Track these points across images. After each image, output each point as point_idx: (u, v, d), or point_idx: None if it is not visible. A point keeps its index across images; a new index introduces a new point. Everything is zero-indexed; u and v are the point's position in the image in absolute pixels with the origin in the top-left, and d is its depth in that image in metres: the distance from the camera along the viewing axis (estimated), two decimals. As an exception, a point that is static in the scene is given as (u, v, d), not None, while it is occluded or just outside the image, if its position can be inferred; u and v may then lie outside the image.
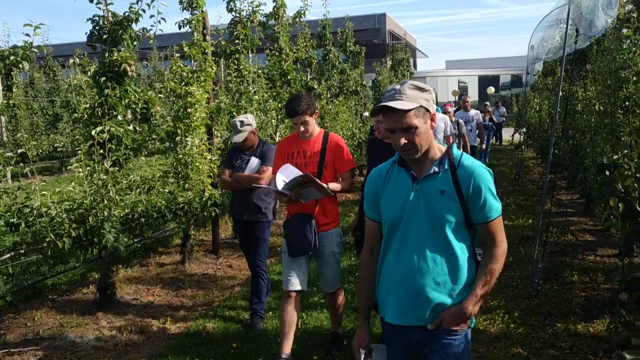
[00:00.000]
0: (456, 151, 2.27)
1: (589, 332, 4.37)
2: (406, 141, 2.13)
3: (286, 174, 3.68)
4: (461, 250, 2.21)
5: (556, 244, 6.62)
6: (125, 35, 5.16)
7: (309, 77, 11.04)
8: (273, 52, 9.18)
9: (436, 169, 2.20)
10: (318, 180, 3.69)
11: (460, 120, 10.29)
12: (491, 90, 33.68)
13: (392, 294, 2.29)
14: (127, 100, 5.16)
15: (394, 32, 36.62)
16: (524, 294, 5.24)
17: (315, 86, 10.87)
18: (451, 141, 7.37)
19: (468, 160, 2.24)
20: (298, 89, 9.42)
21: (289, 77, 9.12)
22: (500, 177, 13.33)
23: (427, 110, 2.16)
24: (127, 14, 5.19)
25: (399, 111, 2.09)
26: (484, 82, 37.87)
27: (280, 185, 3.70)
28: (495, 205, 2.21)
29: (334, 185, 3.91)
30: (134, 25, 5.26)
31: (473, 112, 12.03)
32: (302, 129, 3.96)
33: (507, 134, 21.09)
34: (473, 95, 37.95)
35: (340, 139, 4.15)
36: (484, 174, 2.20)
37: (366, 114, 14.90)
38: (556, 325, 4.53)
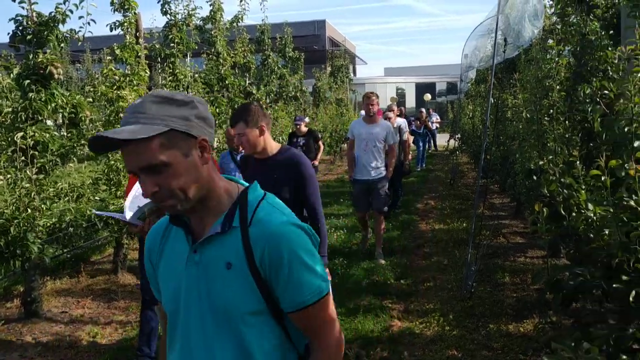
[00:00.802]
0: (255, 193, 1.49)
1: (519, 332, 4.51)
2: (156, 189, 1.34)
3: (140, 199, 2.79)
4: (265, 356, 1.42)
5: (489, 247, 6.83)
6: (52, 36, 4.95)
7: (247, 82, 10.94)
8: (210, 56, 9.04)
9: (219, 229, 1.41)
10: None
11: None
12: (428, 97, 34.56)
13: None
14: (53, 105, 4.94)
15: (334, 39, 36.98)
16: (458, 296, 5.36)
17: (254, 91, 10.78)
18: (395, 153, 7.14)
19: (266, 210, 1.44)
20: (236, 94, 9.33)
21: (226, 82, 9.01)
22: (436, 181, 13.68)
23: (190, 135, 1.36)
24: (53, 14, 4.97)
25: (133, 142, 1.30)
26: (421, 89, 38.82)
27: (128, 215, 2.90)
28: (312, 283, 1.41)
29: None
30: (60, 26, 5.05)
31: (400, 120, 10.25)
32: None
33: (442, 139, 21.69)
34: (410, 102, 38.81)
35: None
36: (288, 234, 1.40)
37: (306, 119, 14.94)
38: (489, 326, 4.65)
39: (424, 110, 18.22)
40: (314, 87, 17.40)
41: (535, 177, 4.43)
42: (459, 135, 16.18)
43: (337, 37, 37.64)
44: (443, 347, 4.32)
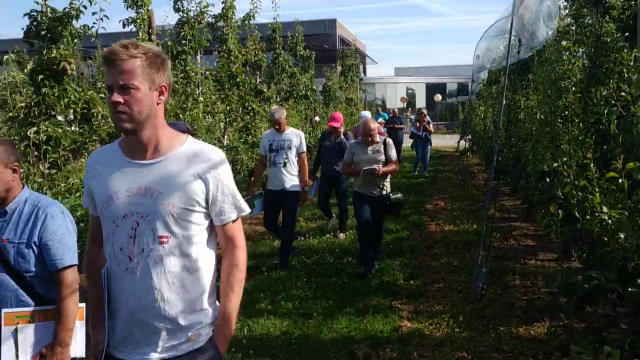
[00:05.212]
0: None
1: (530, 335, 4.48)
2: None
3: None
4: None
5: (499, 249, 6.79)
6: (65, 32, 4.95)
7: (258, 80, 10.95)
8: (222, 54, 9.04)
9: None
10: None
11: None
12: (438, 97, 34.47)
13: None
14: (66, 100, 4.95)
15: (344, 38, 36.91)
16: (468, 297, 5.33)
17: (265, 89, 10.79)
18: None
19: None
20: (247, 92, 9.33)
21: (237, 80, 9.01)
22: (446, 182, 13.61)
23: None
24: (67, 10, 4.98)
25: None
26: (432, 89, 38.69)
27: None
28: None
29: None
30: (74, 22, 5.05)
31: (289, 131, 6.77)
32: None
33: (453, 140, 21.59)
34: (420, 102, 38.63)
35: None
36: None
37: (317, 118, 14.93)
38: (499, 328, 4.62)
39: (424, 111, 16.67)
40: (324, 86, 17.36)
41: (548, 179, 4.39)
42: (469, 137, 16.09)
43: (347, 36, 37.57)
44: (453, 349, 4.29)
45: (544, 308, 4.93)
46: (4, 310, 2.40)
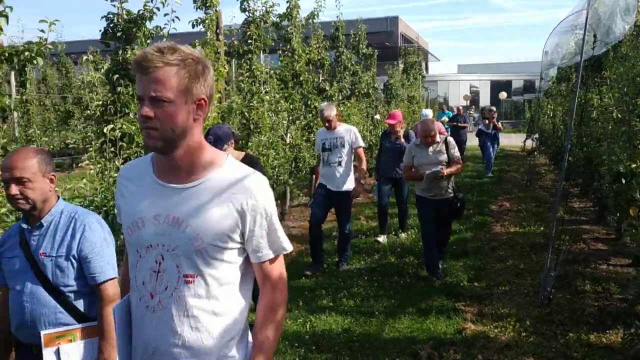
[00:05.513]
0: None
1: (602, 343, 4.29)
2: None
3: None
4: None
5: (568, 252, 6.54)
6: (139, 33, 5.15)
7: (321, 78, 11.01)
8: (286, 52, 9.16)
9: None
10: None
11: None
12: (503, 95, 33.56)
13: None
14: (140, 98, 5.15)
15: (406, 35, 36.55)
16: (535, 302, 5.16)
17: (327, 88, 10.84)
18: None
19: None
20: (310, 90, 9.40)
21: (301, 79, 9.10)
22: (511, 183, 13.24)
23: None
24: (141, 12, 5.18)
25: None
26: (496, 87, 37.71)
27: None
28: None
29: None
30: (148, 23, 5.25)
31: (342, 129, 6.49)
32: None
33: (518, 140, 20.95)
34: (485, 100, 37.73)
35: None
36: None
37: (377, 116, 14.86)
38: (568, 334, 4.45)
39: (494, 108, 16.06)
40: (385, 84, 17.25)
41: (624, 181, 4.19)
42: (536, 136, 15.56)
43: (409, 33, 37.17)
44: (519, 353, 4.18)
45: (617, 315, 4.72)
46: (43, 332, 2.27)
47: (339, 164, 6.23)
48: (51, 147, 16.42)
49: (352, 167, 6.42)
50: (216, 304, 1.70)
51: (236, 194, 1.69)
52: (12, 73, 8.53)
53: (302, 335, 4.57)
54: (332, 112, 6.26)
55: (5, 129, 5.19)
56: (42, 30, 4.09)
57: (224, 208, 1.68)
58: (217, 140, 3.97)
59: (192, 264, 1.67)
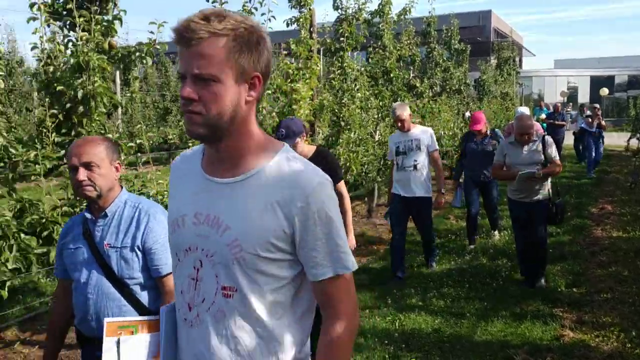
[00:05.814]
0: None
1: None
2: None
3: None
4: None
5: (680, 261, 6.07)
6: (237, 33, 5.34)
7: (411, 75, 10.89)
8: (376, 49, 9.15)
9: None
10: None
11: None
12: (605, 91, 31.56)
13: None
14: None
15: (499, 30, 35.28)
16: (641, 312, 4.85)
17: (418, 84, 10.71)
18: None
19: None
20: (400, 87, 9.33)
21: (391, 75, 9.06)
22: (613, 184, 12.46)
23: None
24: (240, 12, 5.37)
25: None
26: (597, 83, 35.53)
27: None
28: None
29: None
30: (246, 23, 5.43)
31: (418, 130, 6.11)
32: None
33: (621, 139, 19.63)
34: (584, 97, 35.69)
35: None
36: None
37: (468, 114, 14.48)
38: (680, 349, 4.15)
39: (597, 105, 15.10)
40: (476, 80, 16.77)
41: None
42: (643, 134, 14.49)
43: (503, 27, 35.86)
44: (623, 366, 3.94)
45: None
46: (106, 320, 2.16)
47: (415, 167, 5.80)
48: (151, 142, 17.39)
49: (429, 174, 5.98)
50: (260, 326, 1.41)
51: (285, 190, 1.38)
52: (117, 72, 9.11)
53: (392, 333, 4.56)
54: (404, 111, 5.84)
55: (110, 125, 5.55)
56: (152, 32, 4.34)
57: (269, 209, 1.37)
58: (288, 134, 3.81)
59: (231, 275, 1.39)
